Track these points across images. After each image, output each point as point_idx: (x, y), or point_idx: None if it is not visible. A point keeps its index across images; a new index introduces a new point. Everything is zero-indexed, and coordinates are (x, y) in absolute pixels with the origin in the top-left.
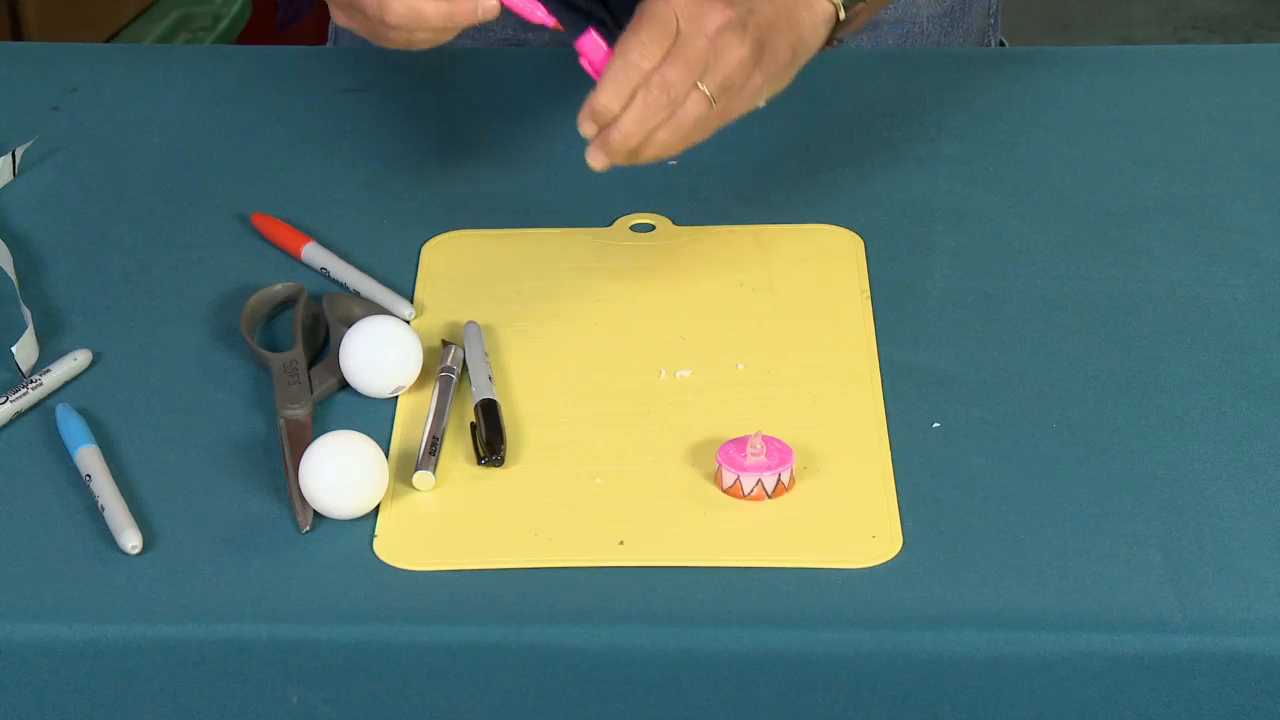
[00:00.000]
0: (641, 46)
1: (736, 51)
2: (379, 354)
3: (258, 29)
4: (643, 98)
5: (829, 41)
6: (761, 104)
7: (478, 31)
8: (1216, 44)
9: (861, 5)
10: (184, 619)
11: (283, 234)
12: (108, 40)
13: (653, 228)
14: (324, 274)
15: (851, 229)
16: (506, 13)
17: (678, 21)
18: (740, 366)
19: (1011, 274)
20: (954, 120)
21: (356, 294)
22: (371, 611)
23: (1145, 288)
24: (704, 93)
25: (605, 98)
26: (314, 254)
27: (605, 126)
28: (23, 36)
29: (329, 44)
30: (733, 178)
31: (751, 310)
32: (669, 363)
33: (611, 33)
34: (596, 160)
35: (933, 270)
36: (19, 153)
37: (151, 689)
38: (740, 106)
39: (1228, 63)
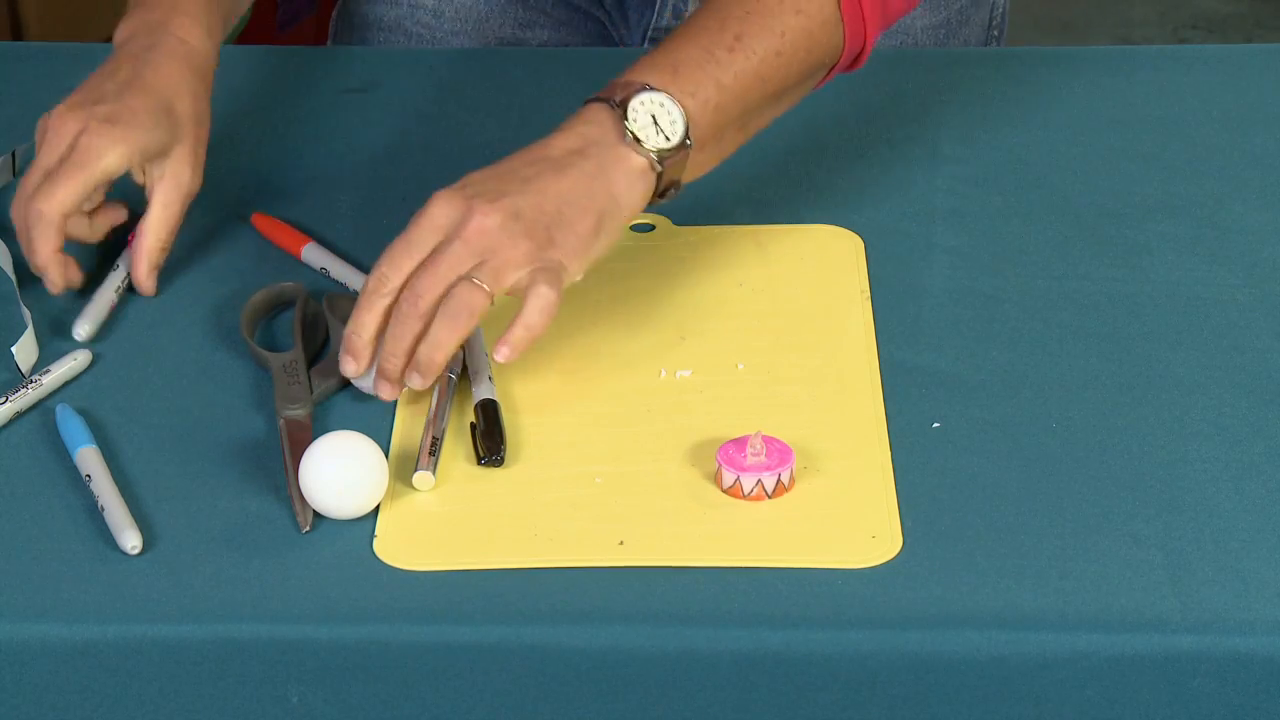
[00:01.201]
0: (389, 261)
1: (510, 246)
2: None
3: (258, 29)
4: (394, 314)
5: (661, 193)
6: (578, 277)
7: (477, 31)
8: (1216, 44)
9: (680, 155)
10: (184, 619)
11: (283, 234)
12: (108, 40)
13: (653, 228)
14: (324, 274)
15: (851, 229)
16: (506, 12)
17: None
18: (740, 366)
19: (1011, 274)
20: (954, 120)
21: (356, 294)
22: (371, 612)
23: (1145, 288)
24: (475, 282)
25: (352, 325)
26: (314, 254)
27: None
28: (23, 36)
29: (329, 44)
30: (733, 178)
31: (751, 310)
32: (669, 363)
33: (609, 32)
34: (383, 390)
35: (933, 270)
36: (19, 153)
37: (151, 689)
38: (549, 283)
39: (1228, 63)
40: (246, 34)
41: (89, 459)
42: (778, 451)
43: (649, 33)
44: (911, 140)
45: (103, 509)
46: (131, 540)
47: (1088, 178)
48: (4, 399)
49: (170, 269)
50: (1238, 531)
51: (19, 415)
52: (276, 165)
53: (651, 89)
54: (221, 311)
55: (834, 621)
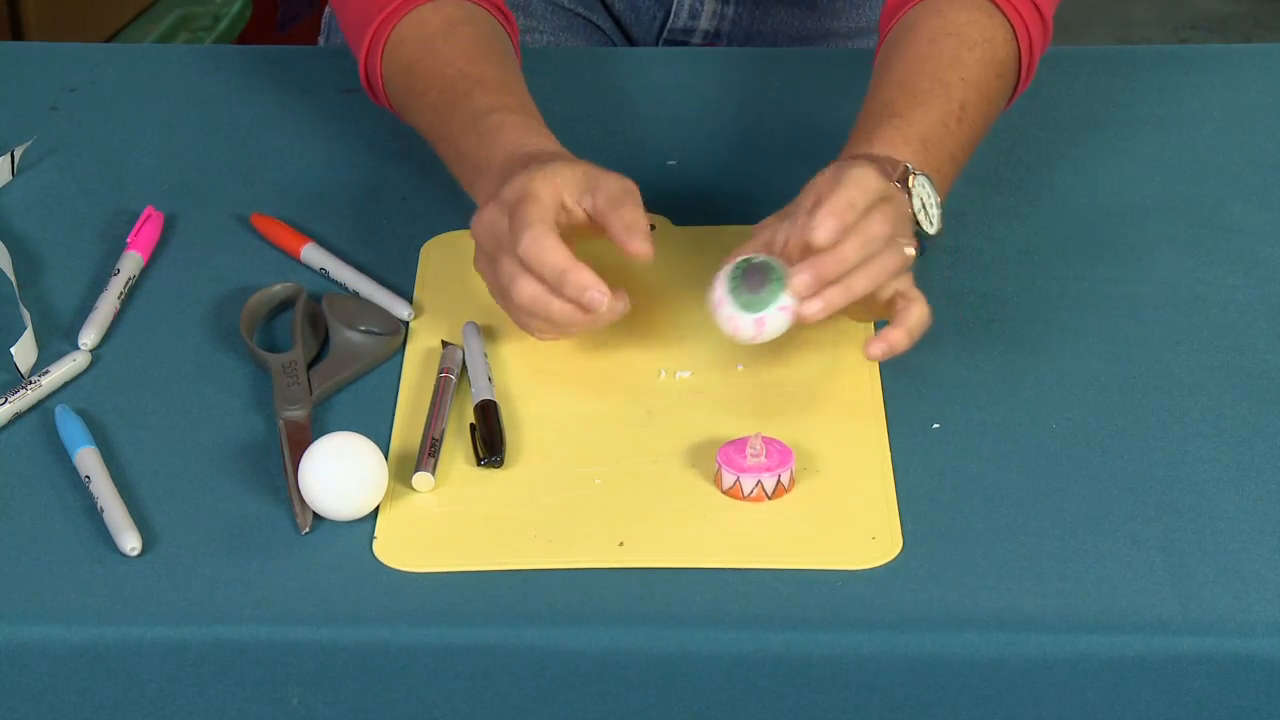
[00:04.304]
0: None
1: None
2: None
3: (258, 29)
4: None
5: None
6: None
7: None
8: (1216, 44)
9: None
10: (183, 621)
11: (282, 234)
12: (108, 40)
13: (653, 228)
14: (323, 274)
15: None
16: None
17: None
18: (740, 367)
19: (1011, 274)
20: None
21: (356, 294)
22: (371, 613)
23: (1145, 288)
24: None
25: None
26: (313, 254)
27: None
28: (23, 36)
29: (321, 42)
30: (733, 178)
31: None
32: (669, 363)
33: (610, 41)
34: (812, 308)
35: (933, 270)
36: (18, 153)
37: (151, 691)
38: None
39: (1228, 63)
40: (246, 34)
41: (88, 460)
42: (777, 452)
43: (664, 33)
44: None
45: (102, 510)
46: (131, 541)
47: (1088, 178)
48: (3, 400)
49: (170, 269)
50: (1238, 532)
51: (18, 416)
52: (276, 165)
53: (917, 173)
54: (221, 312)
55: (834, 623)
